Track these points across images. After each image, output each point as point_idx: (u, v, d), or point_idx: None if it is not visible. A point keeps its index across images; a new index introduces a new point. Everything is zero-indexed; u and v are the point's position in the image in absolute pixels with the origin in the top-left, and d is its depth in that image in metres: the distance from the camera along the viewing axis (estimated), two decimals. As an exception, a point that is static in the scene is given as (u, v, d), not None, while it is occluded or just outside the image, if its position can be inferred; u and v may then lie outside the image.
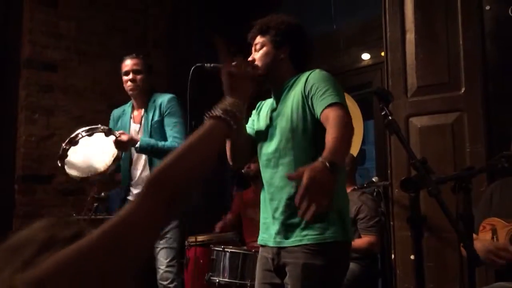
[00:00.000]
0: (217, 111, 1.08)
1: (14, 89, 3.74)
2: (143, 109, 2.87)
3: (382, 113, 1.61)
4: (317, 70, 1.80)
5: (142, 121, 2.84)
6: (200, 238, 3.55)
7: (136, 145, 2.67)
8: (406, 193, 1.51)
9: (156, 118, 2.78)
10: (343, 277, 1.80)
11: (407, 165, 2.55)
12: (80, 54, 3.96)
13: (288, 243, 1.73)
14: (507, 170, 1.98)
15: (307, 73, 1.80)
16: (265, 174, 1.85)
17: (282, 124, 1.79)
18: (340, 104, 1.66)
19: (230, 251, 2.97)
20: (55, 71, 3.83)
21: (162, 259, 2.73)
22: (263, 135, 1.86)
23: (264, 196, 1.86)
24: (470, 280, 1.59)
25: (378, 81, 4.20)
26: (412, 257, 2.83)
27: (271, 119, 1.85)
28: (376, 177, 3.15)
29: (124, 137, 2.62)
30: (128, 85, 2.85)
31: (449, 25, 2.68)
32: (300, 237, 1.70)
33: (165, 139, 2.76)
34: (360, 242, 3.00)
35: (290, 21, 1.92)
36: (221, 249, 2.99)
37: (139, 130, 2.86)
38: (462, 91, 2.62)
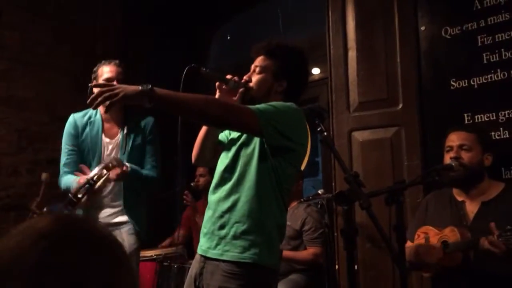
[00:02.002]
0: None
1: (-49, 100, 3.58)
2: (118, 125, 2.60)
3: (318, 129, 1.68)
4: (289, 103, 1.80)
5: (122, 140, 2.56)
6: (148, 253, 3.50)
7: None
8: (340, 206, 1.58)
9: (139, 141, 2.57)
10: None
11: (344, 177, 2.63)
12: (24, 65, 3.84)
13: (210, 254, 1.75)
14: (438, 183, 2.10)
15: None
16: (213, 183, 1.88)
17: (238, 142, 1.83)
18: (249, 109, 1.66)
19: (176, 266, 2.95)
20: (-3, 82, 3.70)
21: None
22: (230, 144, 1.89)
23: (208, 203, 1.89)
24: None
25: (325, 95, 4.31)
26: (356, 267, 2.91)
27: (240, 136, 1.86)
28: (322, 190, 3.23)
29: (126, 168, 2.37)
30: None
31: (387, 44, 2.81)
32: (221, 251, 1.72)
33: (141, 164, 2.57)
34: (305, 253, 3.05)
35: (298, 56, 1.91)
36: (167, 263, 2.96)
37: (114, 147, 2.57)
38: (400, 107, 2.75)
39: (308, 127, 1.86)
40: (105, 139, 2.57)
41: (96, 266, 0.62)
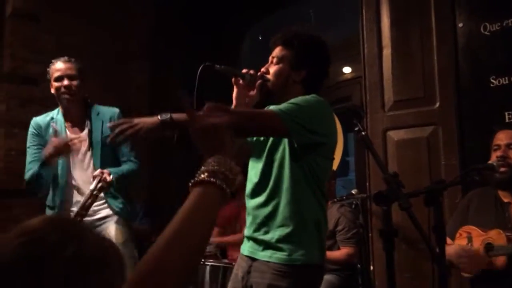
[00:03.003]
0: (202, 175, 0.85)
1: (-6, 103, 3.72)
2: (80, 121, 2.56)
3: (356, 129, 1.66)
4: (310, 95, 1.75)
5: (89, 136, 2.53)
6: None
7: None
8: (379, 207, 1.55)
9: (106, 132, 2.46)
10: None
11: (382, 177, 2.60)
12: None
13: (259, 255, 1.74)
14: (478, 182, 2.04)
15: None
16: (248, 188, 1.85)
17: (267, 147, 1.79)
18: (272, 112, 1.63)
19: (211, 265, 2.97)
20: (36, 85, 3.82)
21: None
22: (257, 148, 1.85)
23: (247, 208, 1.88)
24: (443, 291, 1.63)
25: (358, 95, 4.27)
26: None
27: (266, 140, 1.82)
28: (356, 189, 3.19)
29: (108, 178, 2.38)
30: (62, 91, 2.48)
31: (424, 42, 2.76)
32: (270, 254, 1.70)
33: (115, 157, 2.56)
34: (338, 253, 3.03)
35: (317, 44, 1.82)
36: (202, 262, 2.99)
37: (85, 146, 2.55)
38: (437, 106, 2.69)
39: (336, 120, 1.81)
40: (70, 136, 2.52)
41: (70, 265, 0.63)
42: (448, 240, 2.08)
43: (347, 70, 4.97)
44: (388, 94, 2.86)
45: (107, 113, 2.57)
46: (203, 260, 3.01)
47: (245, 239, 1.86)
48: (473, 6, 2.67)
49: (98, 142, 2.52)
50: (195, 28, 4.45)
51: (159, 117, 1.50)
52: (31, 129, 2.55)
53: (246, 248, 1.82)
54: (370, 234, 2.87)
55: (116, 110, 2.62)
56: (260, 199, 1.77)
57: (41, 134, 2.52)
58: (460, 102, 2.65)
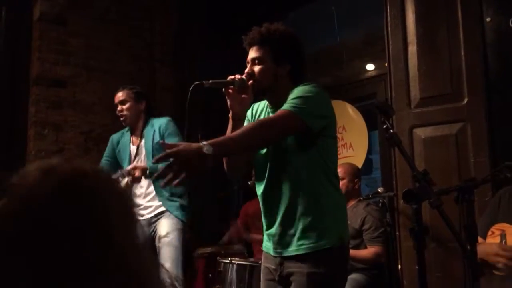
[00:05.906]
0: None
1: (24, 105, 3.81)
2: (141, 134, 3.03)
3: (384, 127, 1.64)
4: (306, 84, 1.79)
5: (142, 144, 2.99)
6: (208, 249, 3.57)
7: (147, 172, 2.81)
8: (409, 205, 1.54)
9: (156, 139, 2.92)
10: (345, 282, 1.83)
11: (411, 175, 2.57)
12: (89, 70, 4.03)
13: (287, 252, 1.78)
14: (510, 180, 1.99)
15: (297, 87, 1.81)
16: (259, 187, 1.86)
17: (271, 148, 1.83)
18: (288, 112, 1.69)
19: (237, 263, 2.98)
20: (64, 87, 3.90)
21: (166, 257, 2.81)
22: (259, 161, 1.87)
23: (261, 209, 1.90)
24: (474, 290, 1.60)
25: (382, 92, 4.22)
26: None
27: None
28: (381, 188, 3.16)
29: (137, 173, 2.79)
30: (119, 116, 3.05)
31: (450, 37, 2.71)
32: (297, 247, 1.74)
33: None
34: (366, 252, 3.01)
35: (291, 35, 1.86)
36: (228, 261, 3.01)
37: (138, 152, 3.03)
38: (465, 102, 2.64)
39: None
40: (132, 147, 3.05)
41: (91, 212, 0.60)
42: (480, 239, 2.04)
43: (370, 67, 4.92)
44: (414, 91, 2.82)
45: (157, 122, 3.00)
46: (229, 259, 3.03)
47: (266, 238, 1.88)
48: (501, 0, 2.61)
49: (149, 150, 2.94)
50: (216, 31, 4.48)
51: (203, 149, 1.48)
52: (108, 144, 3.20)
53: (271, 248, 1.84)
54: (397, 233, 2.84)
55: (164, 119, 3.02)
56: (277, 194, 1.79)
57: (114, 147, 3.12)
58: (489, 98, 2.59)
